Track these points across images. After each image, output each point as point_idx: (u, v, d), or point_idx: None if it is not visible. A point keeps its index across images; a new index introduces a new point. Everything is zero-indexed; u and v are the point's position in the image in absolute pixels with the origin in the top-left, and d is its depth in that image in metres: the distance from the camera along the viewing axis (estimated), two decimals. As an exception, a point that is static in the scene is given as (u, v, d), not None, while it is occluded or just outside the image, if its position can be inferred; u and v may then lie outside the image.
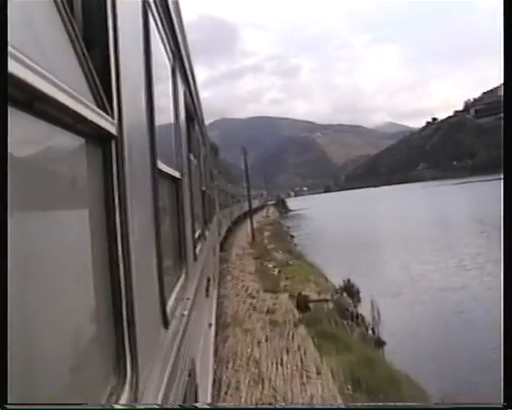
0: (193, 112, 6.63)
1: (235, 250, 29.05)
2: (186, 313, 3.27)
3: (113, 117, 1.67)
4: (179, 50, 4.12)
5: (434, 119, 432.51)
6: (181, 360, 2.91)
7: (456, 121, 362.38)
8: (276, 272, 20.60)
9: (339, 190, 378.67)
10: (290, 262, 24.04)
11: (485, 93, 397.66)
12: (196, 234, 5.59)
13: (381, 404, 5.45)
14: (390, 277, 24.99)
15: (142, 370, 1.75)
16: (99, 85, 1.57)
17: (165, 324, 2.47)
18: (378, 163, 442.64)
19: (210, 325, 7.55)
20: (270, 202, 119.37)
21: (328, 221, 73.35)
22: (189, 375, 3.40)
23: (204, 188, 8.89)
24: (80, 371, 1.36)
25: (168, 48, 3.49)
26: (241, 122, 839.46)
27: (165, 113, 3.39)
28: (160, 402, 2.07)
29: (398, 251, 34.41)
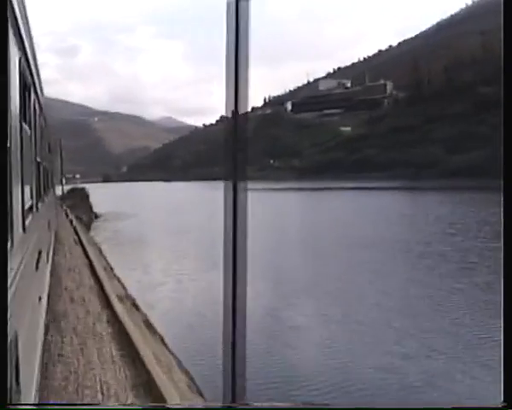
0: (30, 81, 6.47)
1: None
2: (8, 283, 3.27)
3: None
4: (13, 11, 3.89)
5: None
6: None
7: (270, 115, 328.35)
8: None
9: (122, 181, 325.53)
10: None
11: (299, 87, 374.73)
12: (27, 205, 5.62)
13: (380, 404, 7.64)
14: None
15: None
16: None
17: None
18: (170, 155, 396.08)
19: (40, 298, 7.44)
20: (50, 196, 60.97)
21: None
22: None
23: (39, 159, 8.92)
24: None
25: None
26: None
27: None
28: None
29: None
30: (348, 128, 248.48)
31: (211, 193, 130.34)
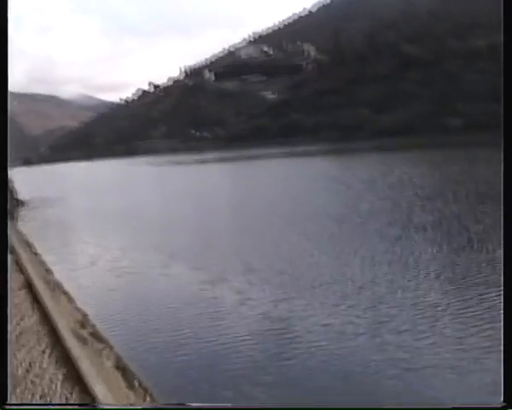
0: None
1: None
2: None
3: None
4: None
5: (156, 85, 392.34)
6: None
7: (191, 85, 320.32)
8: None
9: (43, 163, 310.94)
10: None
11: (221, 57, 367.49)
12: None
13: (381, 404, 7.32)
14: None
15: None
16: None
17: None
18: (91, 133, 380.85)
19: None
20: None
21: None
22: None
23: None
24: None
25: None
26: None
27: None
28: None
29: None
30: (271, 94, 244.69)
31: (137, 170, 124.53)
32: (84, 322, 12.06)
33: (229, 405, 7.86)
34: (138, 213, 40.75)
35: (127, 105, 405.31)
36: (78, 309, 13.89)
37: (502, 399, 4.39)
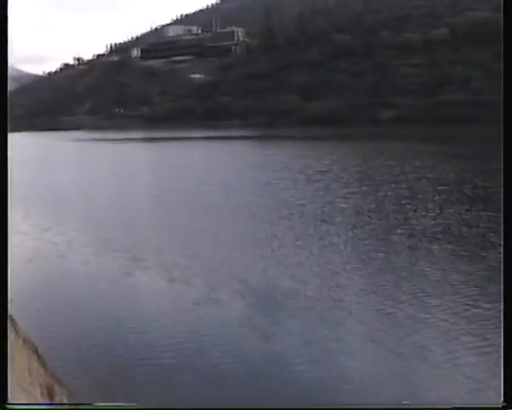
0: None
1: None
2: None
3: None
4: None
5: (79, 59, 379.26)
6: None
7: (116, 62, 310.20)
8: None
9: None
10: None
11: (147, 34, 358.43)
12: None
13: (381, 404, 7.44)
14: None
15: None
16: None
17: None
18: (13, 104, 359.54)
19: None
20: None
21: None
22: None
23: None
24: None
25: None
26: None
27: None
28: None
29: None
30: (199, 75, 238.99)
31: (61, 145, 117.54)
32: (49, 385, 8.33)
33: (229, 405, 7.84)
34: (63, 194, 39.26)
35: (50, 78, 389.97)
36: (28, 344, 10.11)
37: (502, 399, 4.15)
